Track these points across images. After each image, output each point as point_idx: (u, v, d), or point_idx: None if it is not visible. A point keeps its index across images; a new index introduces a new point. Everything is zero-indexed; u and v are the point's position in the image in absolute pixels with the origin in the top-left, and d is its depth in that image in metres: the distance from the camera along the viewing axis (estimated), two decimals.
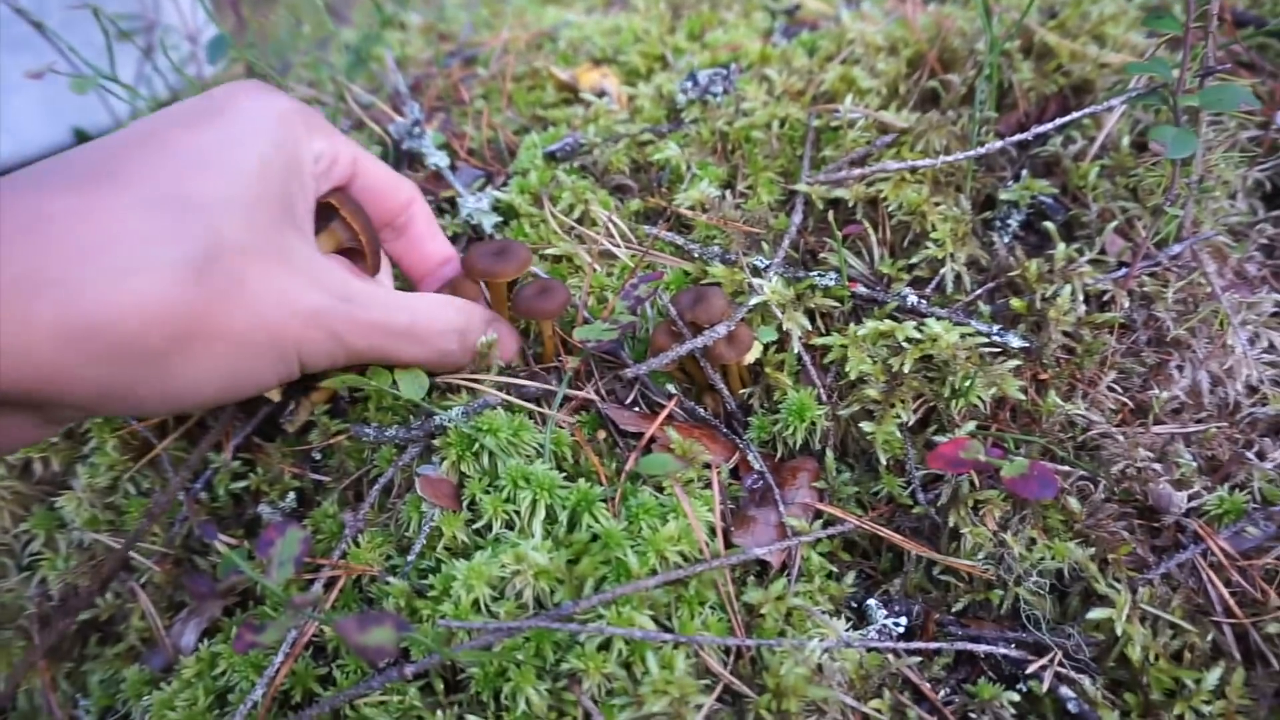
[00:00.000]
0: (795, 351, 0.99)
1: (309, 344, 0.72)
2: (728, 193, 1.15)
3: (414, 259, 0.99)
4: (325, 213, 0.90)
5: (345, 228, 0.90)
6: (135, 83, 1.34)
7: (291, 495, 0.97)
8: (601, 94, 1.32)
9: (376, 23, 1.29)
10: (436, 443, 0.93)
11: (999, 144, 0.95)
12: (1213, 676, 0.78)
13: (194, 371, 0.64)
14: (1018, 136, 0.94)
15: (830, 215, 1.08)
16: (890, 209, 1.06)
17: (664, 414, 0.97)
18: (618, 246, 1.12)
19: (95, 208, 0.59)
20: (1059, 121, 0.94)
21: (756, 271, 1.03)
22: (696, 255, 1.09)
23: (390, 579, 0.87)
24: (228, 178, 0.66)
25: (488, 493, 0.89)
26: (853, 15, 1.36)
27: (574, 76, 1.37)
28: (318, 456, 0.99)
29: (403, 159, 1.29)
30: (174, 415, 0.73)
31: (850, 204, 1.08)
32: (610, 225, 1.14)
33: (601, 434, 0.98)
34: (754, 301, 0.99)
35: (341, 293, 0.75)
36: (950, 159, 0.95)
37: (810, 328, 1.01)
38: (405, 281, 1.05)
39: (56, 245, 0.56)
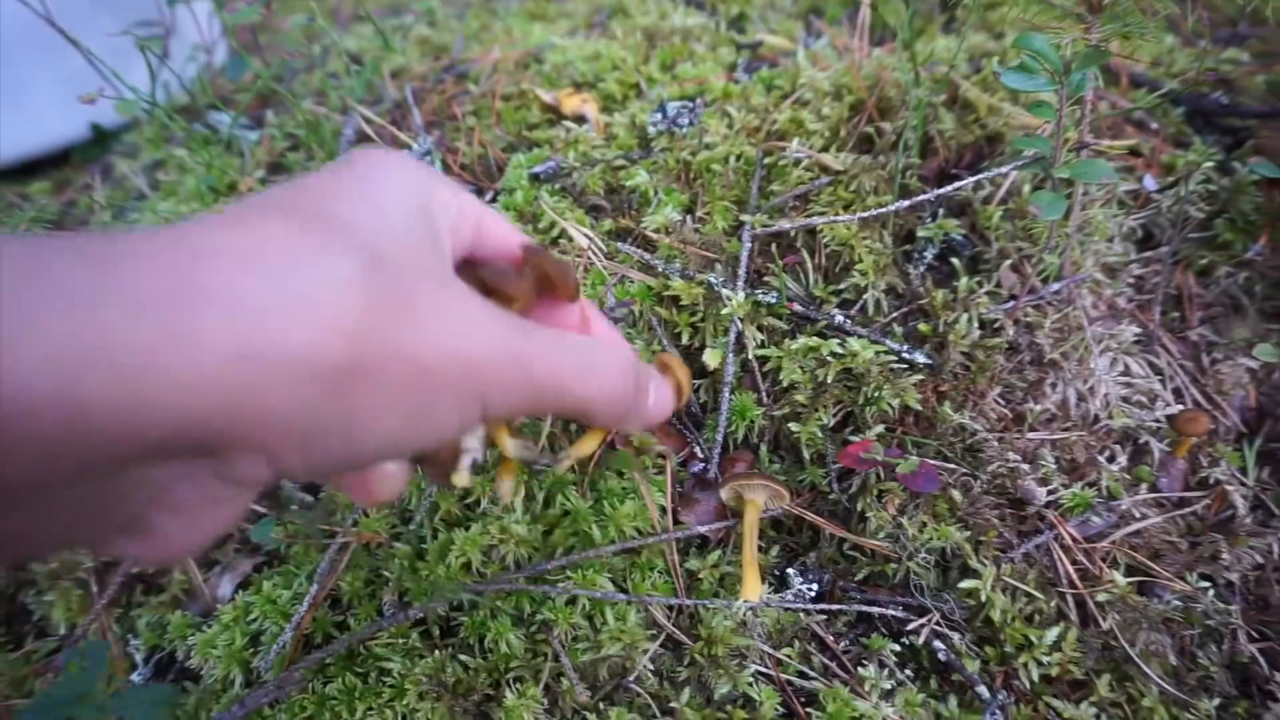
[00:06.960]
0: (750, 357, 1.17)
1: (497, 382, 0.60)
2: (688, 217, 1.33)
3: None
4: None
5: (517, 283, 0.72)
6: (152, 85, 1.47)
7: None
8: (581, 120, 1.49)
9: (379, 42, 1.43)
10: None
11: (921, 198, 1.14)
12: (1052, 634, 0.98)
13: (375, 401, 0.53)
14: (935, 192, 1.13)
15: (774, 246, 1.26)
16: (825, 240, 1.24)
17: None
18: (594, 262, 1.30)
19: (239, 225, 0.51)
20: (969, 180, 1.13)
21: (713, 288, 1.21)
22: (660, 270, 1.27)
23: (395, 544, 1.05)
24: (370, 204, 0.59)
25: (477, 475, 1.07)
26: (807, 55, 1.54)
27: (557, 99, 1.54)
28: None
29: None
30: (352, 467, 0.62)
31: (791, 234, 1.27)
32: (588, 240, 1.32)
33: (573, 425, 1.16)
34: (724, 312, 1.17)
35: (518, 323, 0.64)
36: (875, 213, 1.13)
37: (761, 339, 1.19)
38: None
39: (207, 256, 0.48)
